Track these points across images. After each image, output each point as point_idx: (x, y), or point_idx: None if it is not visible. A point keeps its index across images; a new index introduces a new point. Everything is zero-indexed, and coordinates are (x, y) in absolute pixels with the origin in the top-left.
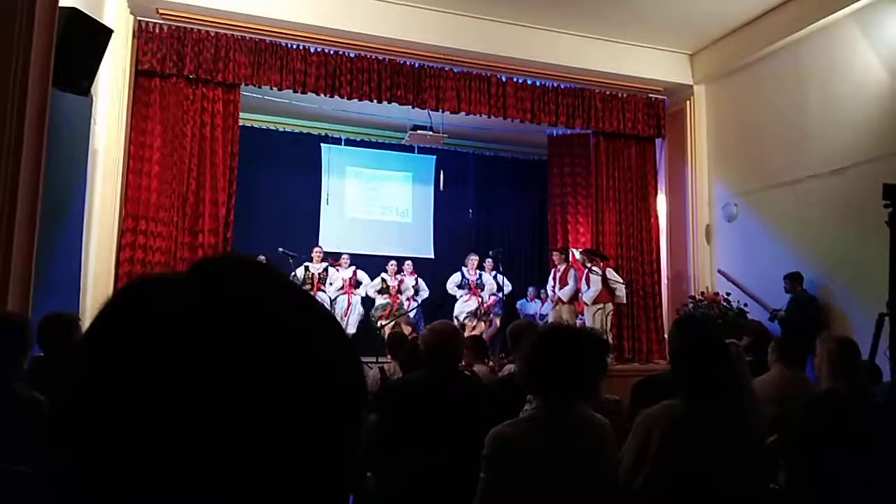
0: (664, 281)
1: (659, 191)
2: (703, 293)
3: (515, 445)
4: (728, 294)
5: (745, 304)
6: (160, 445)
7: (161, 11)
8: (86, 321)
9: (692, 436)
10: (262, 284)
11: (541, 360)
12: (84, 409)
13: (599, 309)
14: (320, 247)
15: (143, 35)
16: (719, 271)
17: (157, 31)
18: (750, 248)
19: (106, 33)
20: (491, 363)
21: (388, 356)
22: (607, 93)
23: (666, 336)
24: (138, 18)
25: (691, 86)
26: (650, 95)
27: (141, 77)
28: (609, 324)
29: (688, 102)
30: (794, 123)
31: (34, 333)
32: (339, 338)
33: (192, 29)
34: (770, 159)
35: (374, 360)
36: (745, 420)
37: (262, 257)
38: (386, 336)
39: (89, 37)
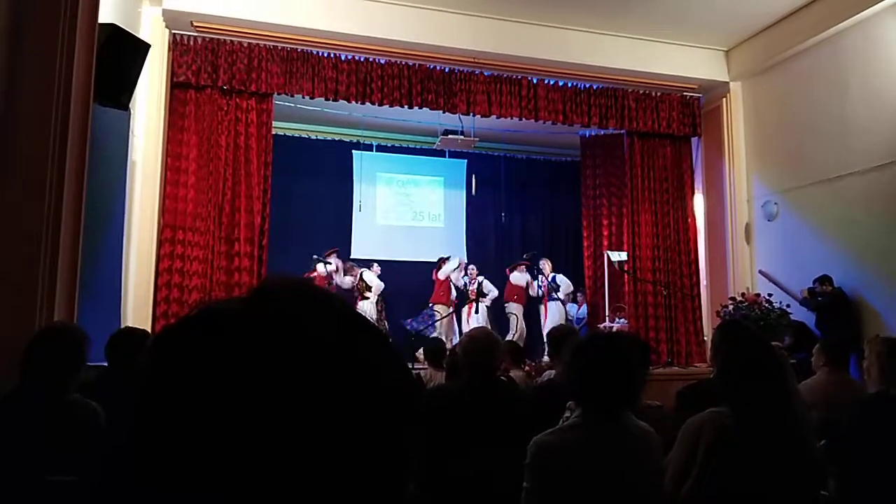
0: (703, 282)
1: (696, 191)
2: (743, 294)
3: (559, 454)
4: (770, 295)
5: (788, 305)
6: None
7: (195, 24)
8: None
9: (740, 444)
10: (315, 310)
11: (584, 366)
12: (152, 437)
13: None
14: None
15: (178, 48)
16: (760, 272)
17: (191, 43)
18: (791, 247)
19: (144, 48)
20: (527, 368)
21: (425, 363)
22: (641, 92)
23: (706, 339)
24: (173, 32)
25: (727, 83)
26: (685, 94)
27: (176, 89)
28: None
29: (724, 100)
30: (835, 119)
31: (90, 345)
32: (387, 350)
33: (225, 40)
34: (811, 156)
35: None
36: (794, 426)
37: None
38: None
39: (128, 52)
